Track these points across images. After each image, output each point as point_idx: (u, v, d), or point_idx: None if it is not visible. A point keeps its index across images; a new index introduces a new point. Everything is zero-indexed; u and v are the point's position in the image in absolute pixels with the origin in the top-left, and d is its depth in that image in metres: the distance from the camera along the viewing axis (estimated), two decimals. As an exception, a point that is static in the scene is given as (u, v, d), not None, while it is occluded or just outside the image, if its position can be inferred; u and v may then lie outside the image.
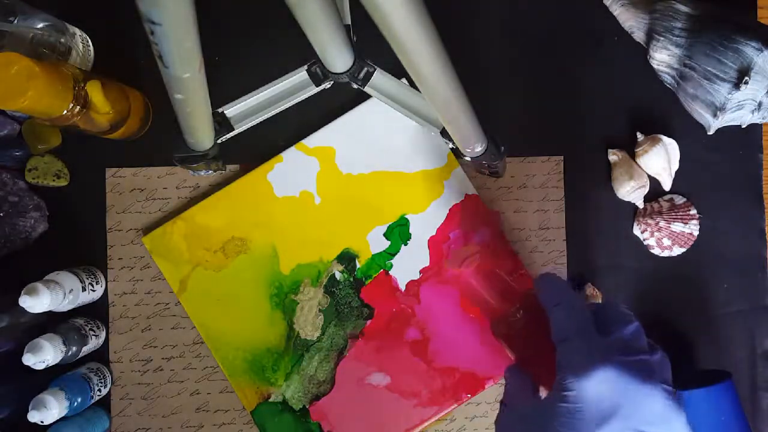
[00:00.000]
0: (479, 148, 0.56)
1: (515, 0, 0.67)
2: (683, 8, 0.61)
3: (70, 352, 0.58)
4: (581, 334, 0.42)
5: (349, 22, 0.59)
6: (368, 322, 0.65)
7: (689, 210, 0.66)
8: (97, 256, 0.66)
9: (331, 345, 0.65)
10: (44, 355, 0.56)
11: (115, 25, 0.65)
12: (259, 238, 0.65)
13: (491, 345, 0.65)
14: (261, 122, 0.61)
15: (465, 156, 0.59)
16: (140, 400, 0.66)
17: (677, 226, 0.65)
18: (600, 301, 0.65)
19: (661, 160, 0.64)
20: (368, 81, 0.60)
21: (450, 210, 0.66)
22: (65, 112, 0.54)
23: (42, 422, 0.56)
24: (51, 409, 0.56)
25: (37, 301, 0.55)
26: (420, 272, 0.65)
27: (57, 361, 0.57)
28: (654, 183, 0.67)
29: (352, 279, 0.65)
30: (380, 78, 0.60)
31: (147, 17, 0.35)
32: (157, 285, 0.66)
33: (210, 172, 0.64)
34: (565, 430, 0.39)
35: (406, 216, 0.66)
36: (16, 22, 0.57)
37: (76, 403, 0.58)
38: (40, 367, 0.56)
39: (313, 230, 0.66)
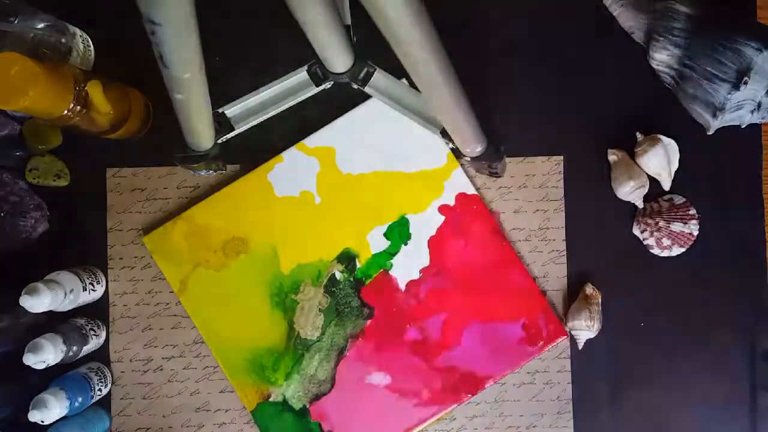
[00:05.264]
0: (479, 148, 0.56)
1: (515, 1, 0.67)
2: (683, 8, 0.61)
3: (70, 352, 0.58)
4: None
5: (349, 22, 0.59)
6: (368, 322, 0.65)
7: (689, 210, 0.66)
8: (97, 256, 0.66)
9: (331, 345, 0.65)
10: (45, 354, 0.56)
11: (115, 25, 0.66)
12: (259, 238, 0.65)
13: (491, 345, 0.65)
14: (261, 122, 0.61)
15: (465, 156, 0.59)
16: (140, 400, 0.66)
17: (677, 226, 0.65)
18: (599, 301, 0.65)
19: (661, 160, 0.64)
20: (368, 81, 0.60)
21: (450, 210, 0.66)
22: (66, 112, 0.54)
23: (42, 422, 0.56)
24: (51, 408, 0.56)
25: (38, 301, 0.55)
26: (420, 272, 0.65)
27: (57, 360, 0.57)
28: (653, 183, 0.67)
29: (352, 279, 0.65)
30: (380, 78, 0.60)
31: (148, 18, 0.35)
32: (157, 285, 0.66)
33: (210, 172, 0.64)
34: None
35: (406, 216, 0.66)
36: (16, 22, 0.57)
37: (76, 403, 0.58)
38: (41, 366, 0.56)
39: (313, 230, 0.66)
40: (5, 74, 0.50)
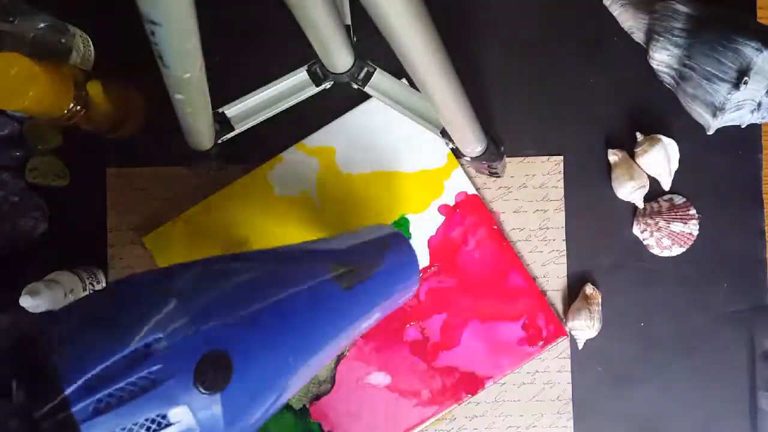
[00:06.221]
0: (479, 148, 0.56)
1: (515, 0, 0.67)
2: (683, 8, 0.61)
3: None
4: None
5: (349, 22, 0.60)
6: (368, 321, 0.65)
7: (689, 210, 0.66)
8: (97, 256, 0.66)
9: (331, 345, 0.65)
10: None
11: (115, 25, 0.65)
12: (259, 238, 0.65)
13: (491, 345, 0.65)
14: (261, 122, 0.61)
15: (465, 156, 0.59)
16: (140, 400, 0.66)
17: (677, 226, 0.65)
18: (599, 301, 0.65)
19: (661, 160, 0.64)
20: (368, 81, 0.60)
21: (450, 210, 0.66)
22: (66, 112, 0.54)
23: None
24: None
25: (38, 301, 0.55)
26: (420, 272, 0.65)
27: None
28: (653, 183, 0.67)
29: (352, 279, 0.65)
30: (380, 78, 0.60)
31: (147, 17, 0.35)
32: (157, 285, 0.66)
33: (210, 172, 0.64)
34: None
35: (406, 216, 0.66)
36: (16, 22, 0.57)
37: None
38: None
39: (314, 230, 0.66)
40: (5, 74, 0.50)
